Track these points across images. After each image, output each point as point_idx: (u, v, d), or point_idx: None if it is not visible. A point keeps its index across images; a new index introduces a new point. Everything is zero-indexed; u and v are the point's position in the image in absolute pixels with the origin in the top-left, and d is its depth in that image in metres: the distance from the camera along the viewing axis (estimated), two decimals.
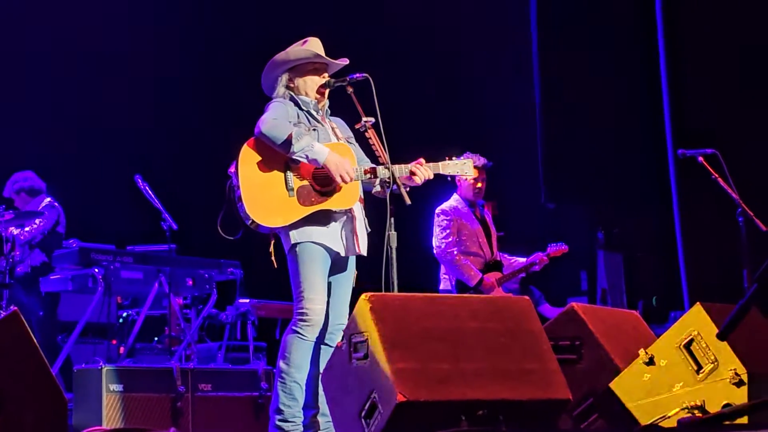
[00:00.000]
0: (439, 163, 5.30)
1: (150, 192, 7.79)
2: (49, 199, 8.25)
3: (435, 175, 5.27)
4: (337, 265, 5.21)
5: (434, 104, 11.13)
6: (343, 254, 5.17)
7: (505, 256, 7.69)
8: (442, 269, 7.42)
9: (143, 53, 10.14)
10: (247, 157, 5.06)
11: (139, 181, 7.78)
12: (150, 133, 10.11)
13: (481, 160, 7.44)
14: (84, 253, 7.48)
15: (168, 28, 10.26)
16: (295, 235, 5.08)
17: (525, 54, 11.25)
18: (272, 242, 5.16)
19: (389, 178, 5.06)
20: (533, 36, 11.22)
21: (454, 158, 5.38)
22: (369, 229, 5.31)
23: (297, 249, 5.07)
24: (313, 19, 10.18)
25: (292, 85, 5.29)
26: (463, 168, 5.36)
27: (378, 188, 5.34)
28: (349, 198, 5.14)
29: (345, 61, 5.34)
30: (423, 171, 5.19)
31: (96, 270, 7.35)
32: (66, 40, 9.95)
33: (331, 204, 5.10)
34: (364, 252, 5.24)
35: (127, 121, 10.07)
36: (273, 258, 5.15)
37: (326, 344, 5.17)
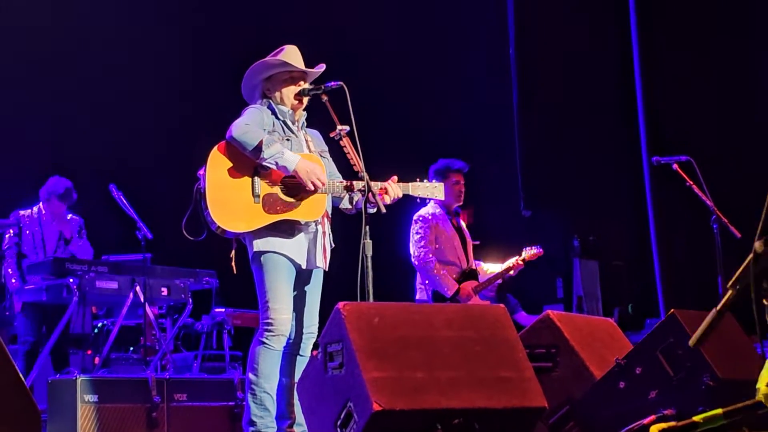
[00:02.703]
0: (409, 185, 5.29)
1: (124, 201, 7.74)
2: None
3: (404, 195, 5.25)
4: (301, 276, 5.19)
5: (412, 112, 11.13)
6: (303, 267, 5.14)
7: (479, 263, 7.67)
8: (419, 279, 7.38)
9: (118, 61, 10.09)
10: (216, 160, 5.04)
11: (114, 190, 7.74)
12: (124, 141, 10.05)
13: (459, 164, 7.45)
14: (58, 263, 7.43)
15: (141, 35, 10.21)
16: (258, 244, 5.05)
17: (503, 64, 11.29)
18: (234, 248, 5.14)
19: (364, 186, 5.04)
20: (511, 45, 11.29)
21: (425, 180, 5.38)
22: (333, 245, 5.29)
23: (261, 258, 5.05)
24: (288, 27, 10.18)
25: (269, 94, 5.27)
26: (434, 191, 5.36)
27: (347, 205, 5.33)
28: (314, 210, 5.11)
29: (321, 68, 5.29)
30: (394, 189, 5.18)
31: (71, 280, 7.30)
32: (39, 43, 9.87)
33: (296, 214, 5.07)
34: (325, 267, 5.23)
35: (102, 129, 10.00)
36: (233, 264, 5.13)
37: (301, 355, 5.17)
